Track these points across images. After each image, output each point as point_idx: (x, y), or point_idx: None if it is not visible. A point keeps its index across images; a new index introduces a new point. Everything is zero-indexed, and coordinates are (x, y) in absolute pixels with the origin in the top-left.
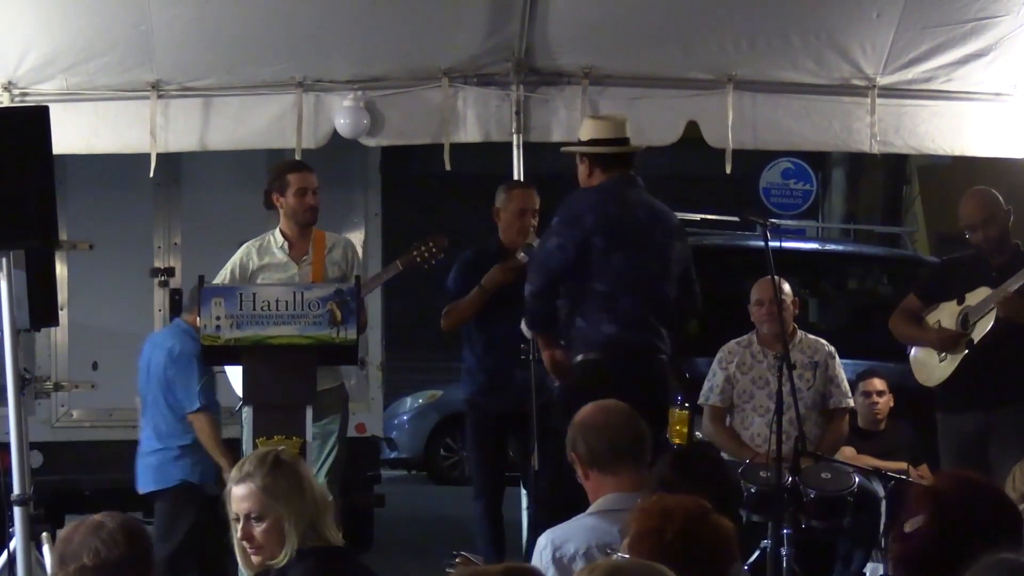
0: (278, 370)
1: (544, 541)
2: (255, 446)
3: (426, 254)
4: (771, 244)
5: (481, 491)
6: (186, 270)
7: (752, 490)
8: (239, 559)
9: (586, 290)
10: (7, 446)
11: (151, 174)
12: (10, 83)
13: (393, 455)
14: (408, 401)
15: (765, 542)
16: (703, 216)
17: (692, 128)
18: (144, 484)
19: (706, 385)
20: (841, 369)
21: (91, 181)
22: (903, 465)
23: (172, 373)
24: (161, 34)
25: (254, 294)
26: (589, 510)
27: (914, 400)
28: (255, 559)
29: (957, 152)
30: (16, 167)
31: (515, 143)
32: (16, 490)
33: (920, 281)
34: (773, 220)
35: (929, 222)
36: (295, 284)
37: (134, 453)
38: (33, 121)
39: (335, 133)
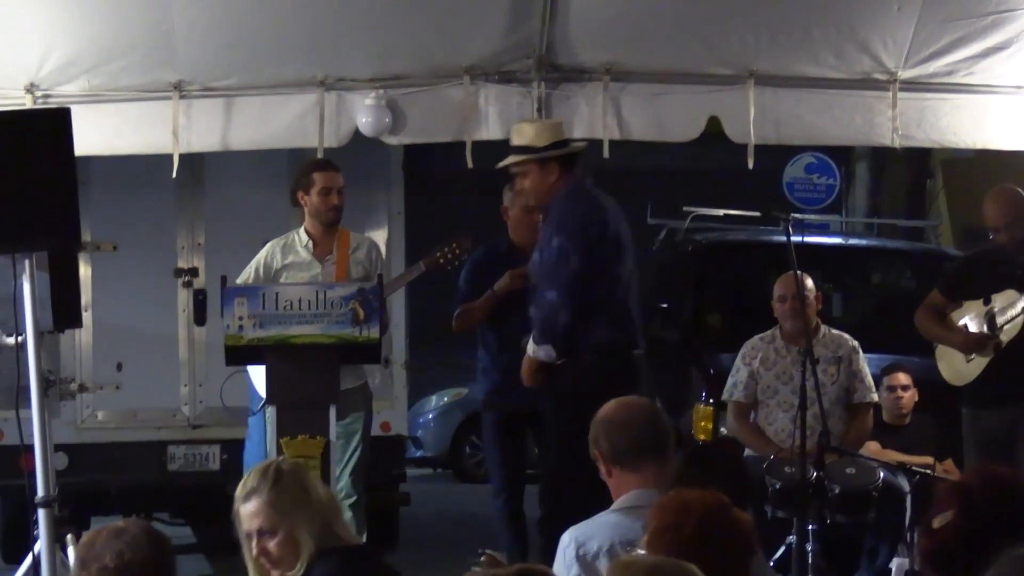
0: (301, 369)
1: (568, 538)
2: (279, 446)
3: (449, 255)
4: (794, 239)
5: (500, 490)
6: (210, 270)
7: (777, 486)
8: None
9: (585, 295)
10: (32, 448)
11: (174, 174)
12: (32, 85)
13: (419, 453)
14: (433, 399)
15: (790, 538)
16: (726, 211)
17: (714, 123)
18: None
19: (730, 381)
20: (865, 364)
21: (114, 182)
22: (928, 459)
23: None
24: (182, 34)
25: (277, 293)
26: (612, 507)
27: (939, 394)
28: (274, 573)
29: (979, 145)
30: (39, 169)
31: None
32: (40, 492)
33: (944, 277)
34: (796, 215)
35: (953, 215)
36: (318, 283)
37: (160, 454)
38: (55, 123)
39: (357, 132)
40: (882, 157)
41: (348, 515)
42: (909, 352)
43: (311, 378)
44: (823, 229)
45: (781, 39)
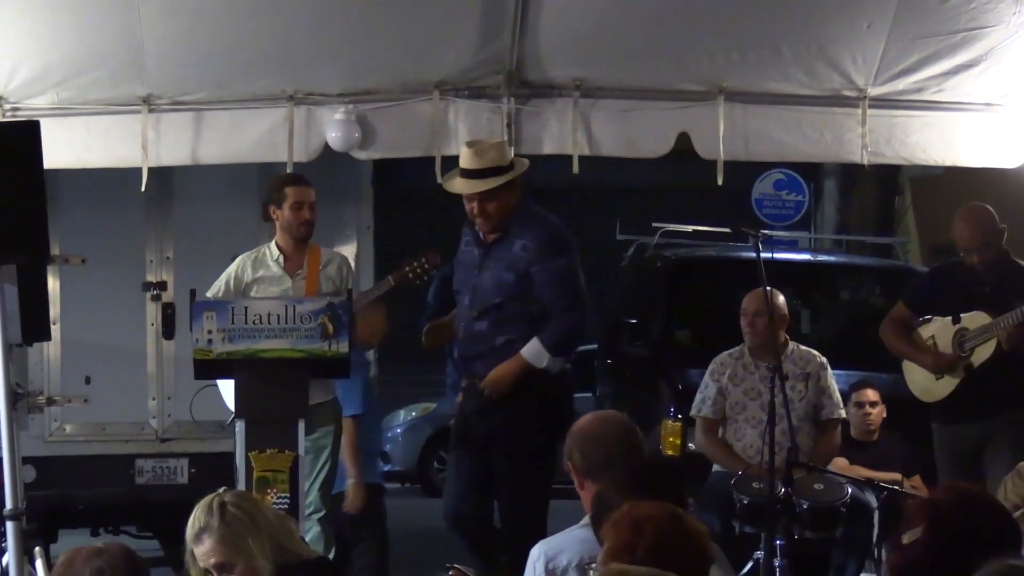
0: (270, 384)
1: (537, 552)
2: (248, 460)
3: (418, 270)
4: (763, 255)
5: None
6: (178, 284)
7: (745, 501)
8: None
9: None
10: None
11: (143, 188)
12: (1, 98)
13: (387, 468)
14: (401, 414)
15: (758, 553)
16: (695, 228)
17: (683, 140)
18: None
19: (698, 397)
20: (833, 380)
21: (83, 195)
22: (896, 476)
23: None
24: (152, 48)
25: (246, 308)
26: (582, 521)
27: (907, 411)
28: None
29: (948, 162)
30: (7, 182)
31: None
32: (8, 504)
33: (910, 291)
34: (765, 231)
35: (921, 232)
36: (287, 297)
37: (127, 467)
38: (24, 136)
39: (327, 146)
40: (851, 174)
41: (317, 530)
42: (877, 368)
43: (280, 392)
44: (792, 245)
45: (751, 56)
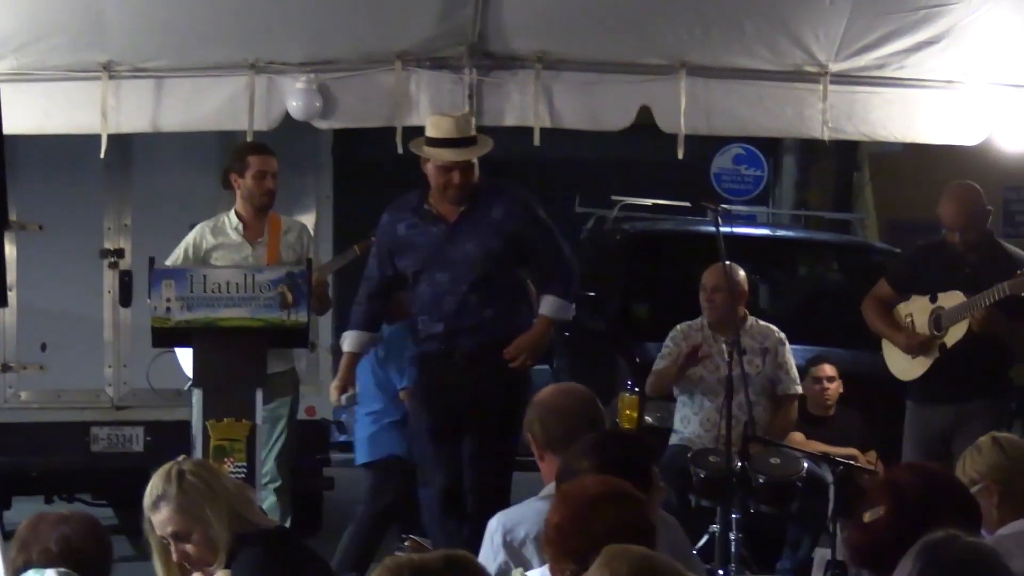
0: (229, 353)
1: (495, 524)
2: (205, 428)
3: None
4: (722, 230)
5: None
6: (136, 252)
7: (701, 475)
8: None
9: None
10: None
11: (102, 155)
12: None
13: (343, 438)
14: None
15: (714, 527)
16: (654, 201)
17: (645, 113)
18: (359, 456)
19: (660, 355)
20: (791, 356)
21: (42, 162)
22: (852, 451)
23: (383, 352)
24: (113, 15)
25: (205, 276)
26: (541, 493)
27: (864, 387)
28: (197, 574)
29: (909, 139)
30: None
31: None
32: None
33: (892, 269)
34: (724, 206)
35: (880, 209)
36: (246, 266)
37: (82, 434)
38: None
39: (287, 115)
40: (810, 150)
41: (273, 499)
42: (835, 344)
43: (238, 361)
44: (750, 220)
45: (714, 31)
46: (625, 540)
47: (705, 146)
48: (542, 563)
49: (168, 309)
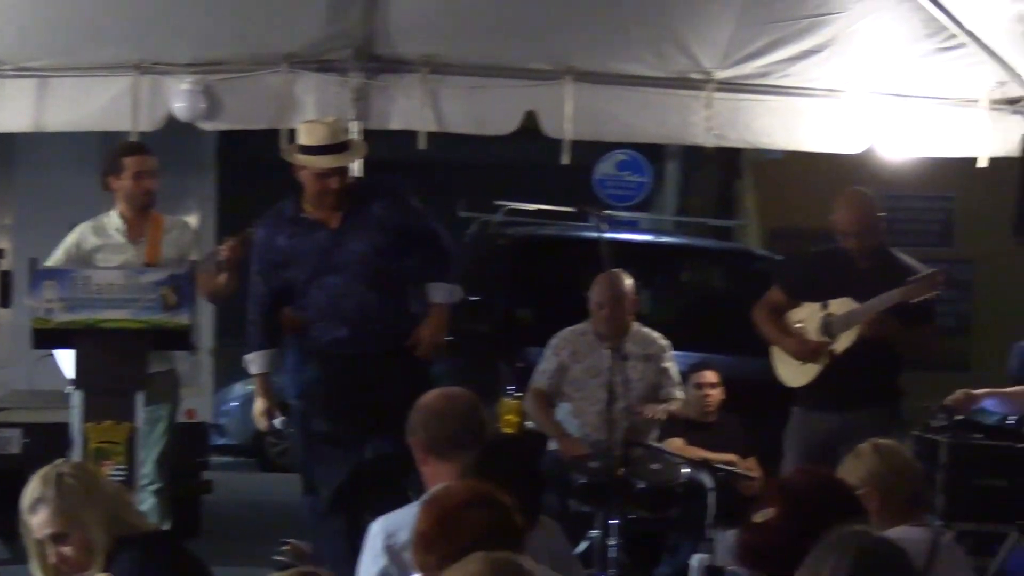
0: (110, 354)
1: (376, 528)
2: (84, 431)
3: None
4: (606, 235)
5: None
6: (17, 251)
7: (581, 480)
8: None
9: None
10: None
11: None
12: None
13: (222, 441)
14: (237, 387)
15: (593, 532)
16: (539, 206)
17: (530, 118)
18: None
19: (538, 368)
20: (673, 363)
21: None
22: (732, 457)
23: None
24: None
25: (87, 277)
26: (423, 498)
27: (745, 393)
28: None
29: (792, 147)
30: None
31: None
32: None
33: (785, 275)
34: (608, 212)
35: (761, 216)
36: (129, 267)
37: None
38: None
39: (172, 116)
40: (693, 156)
41: (152, 502)
42: (717, 350)
43: (120, 363)
44: (633, 226)
45: (600, 37)
46: (490, 546)
47: (589, 152)
48: None
49: (50, 310)
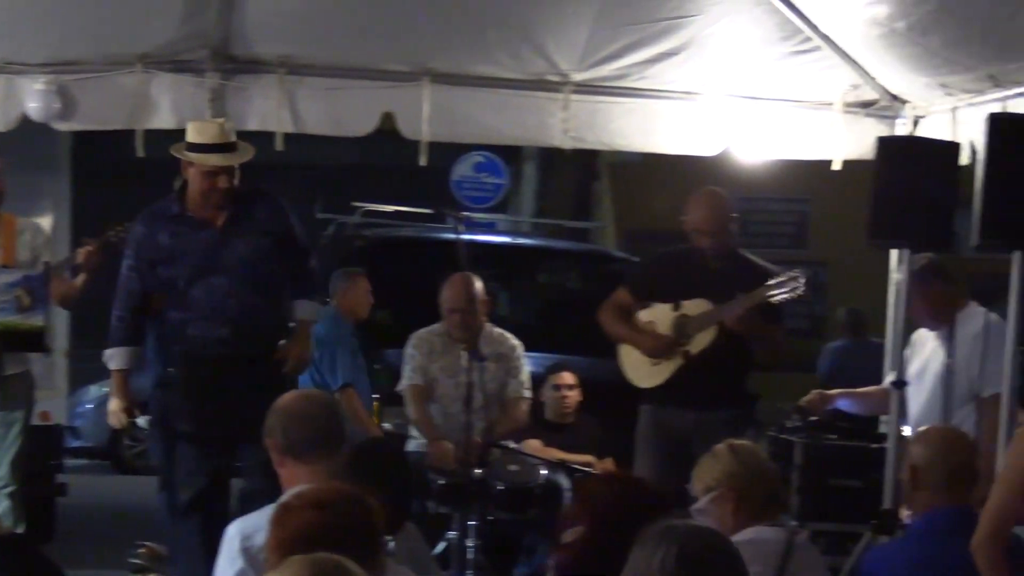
0: None
1: (233, 531)
2: None
3: (122, 234)
4: (463, 237)
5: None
6: None
7: (440, 482)
8: None
9: None
10: None
11: None
12: None
13: (77, 444)
14: (92, 389)
15: (451, 533)
16: (396, 208)
17: (387, 119)
18: None
19: (406, 369)
20: (523, 362)
21: None
22: (589, 458)
23: (318, 355)
24: None
25: None
26: (280, 500)
27: (602, 395)
28: None
29: (648, 149)
30: None
31: None
32: None
33: (632, 275)
34: (466, 213)
35: (618, 218)
36: None
37: None
38: None
39: (26, 116)
40: (550, 158)
41: (6, 504)
42: (574, 351)
43: None
44: (491, 228)
45: (457, 38)
46: (323, 548)
47: (447, 153)
48: None
49: None
